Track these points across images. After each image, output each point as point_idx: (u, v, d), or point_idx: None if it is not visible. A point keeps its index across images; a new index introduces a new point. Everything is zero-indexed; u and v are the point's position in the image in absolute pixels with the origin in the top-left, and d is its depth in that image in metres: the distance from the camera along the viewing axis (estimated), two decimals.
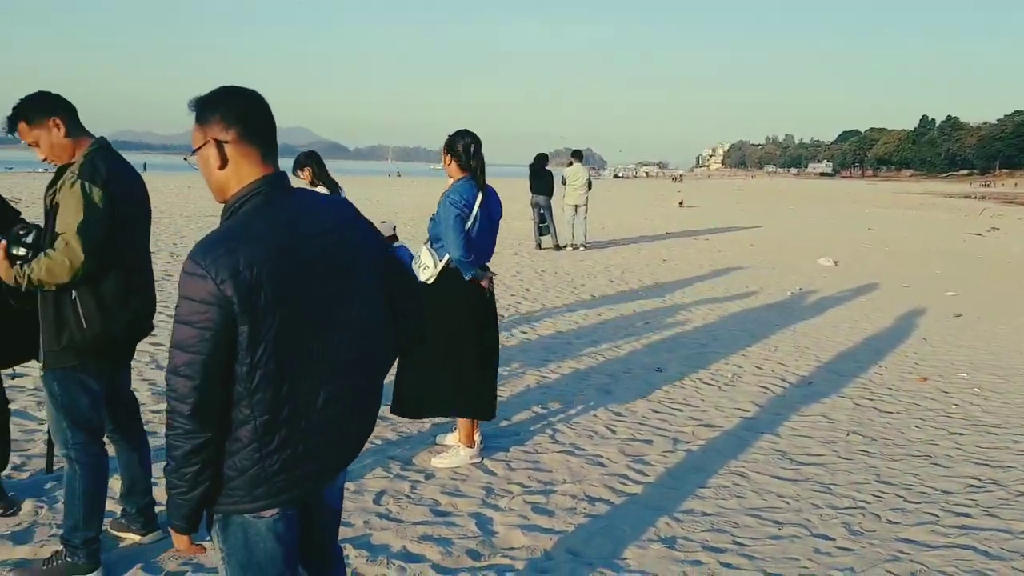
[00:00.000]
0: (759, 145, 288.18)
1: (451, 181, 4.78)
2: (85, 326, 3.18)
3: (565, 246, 16.34)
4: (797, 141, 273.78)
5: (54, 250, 3.08)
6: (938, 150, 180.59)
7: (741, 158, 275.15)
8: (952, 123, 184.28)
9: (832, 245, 19.14)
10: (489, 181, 4.81)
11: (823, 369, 7.59)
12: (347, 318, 2.16)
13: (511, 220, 23.61)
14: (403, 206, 27.02)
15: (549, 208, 16.11)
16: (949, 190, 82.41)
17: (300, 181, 6.91)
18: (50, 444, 3.88)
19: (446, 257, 4.63)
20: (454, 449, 4.89)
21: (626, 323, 9.39)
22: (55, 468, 3.94)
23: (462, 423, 4.86)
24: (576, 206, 16.44)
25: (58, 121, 3.22)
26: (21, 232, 3.23)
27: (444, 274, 4.67)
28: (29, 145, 3.28)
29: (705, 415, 6.04)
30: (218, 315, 1.91)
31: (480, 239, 4.68)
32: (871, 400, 6.62)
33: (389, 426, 5.41)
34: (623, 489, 4.61)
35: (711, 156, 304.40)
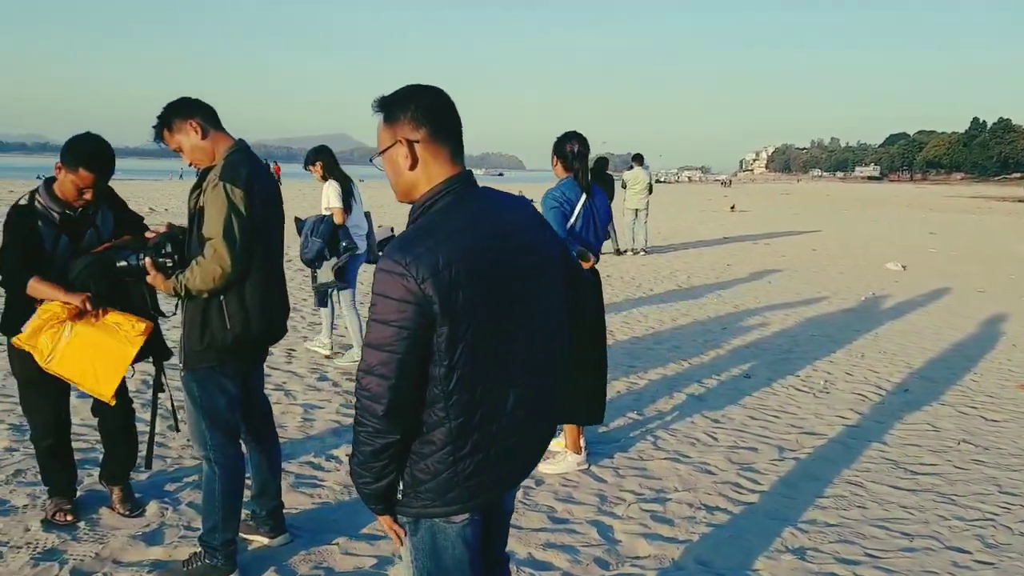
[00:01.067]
0: (804, 149, 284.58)
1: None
2: (228, 326, 3.19)
3: (626, 251, 16.22)
4: (843, 144, 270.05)
5: (204, 258, 3.08)
6: (990, 153, 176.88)
7: (786, 162, 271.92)
8: (1004, 125, 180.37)
9: (896, 249, 18.76)
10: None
11: (916, 376, 7.39)
12: (536, 317, 2.11)
13: None
14: None
15: (609, 212, 15.96)
16: (1002, 193, 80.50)
17: (312, 176, 7.01)
18: (151, 442, 3.89)
19: None
20: (561, 455, 4.83)
21: (703, 328, 9.26)
22: (153, 468, 3.95)
23: (569, 428, 4.80)
24: (637, 210, 16.32)
25: (195, 124, 3.23)
26: (159, 242, 3.25)
27: None
28: (174, 151, 3.29)
29: (805, 423, 5.91)
30: (417, 314, 1.87)
31: (584, 235, 4.64)
32: (974, 408, 6.43)
33: None
34: (739, 498, 4.51)
35: (755, 160, 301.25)
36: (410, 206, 2.08)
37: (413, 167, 2.03)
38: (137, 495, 4.07)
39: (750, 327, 9.38)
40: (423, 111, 2.02)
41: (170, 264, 3.21)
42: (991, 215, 38.43)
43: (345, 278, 6.81)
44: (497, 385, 2.03)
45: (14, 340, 3.48)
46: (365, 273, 6.94)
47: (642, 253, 16.23)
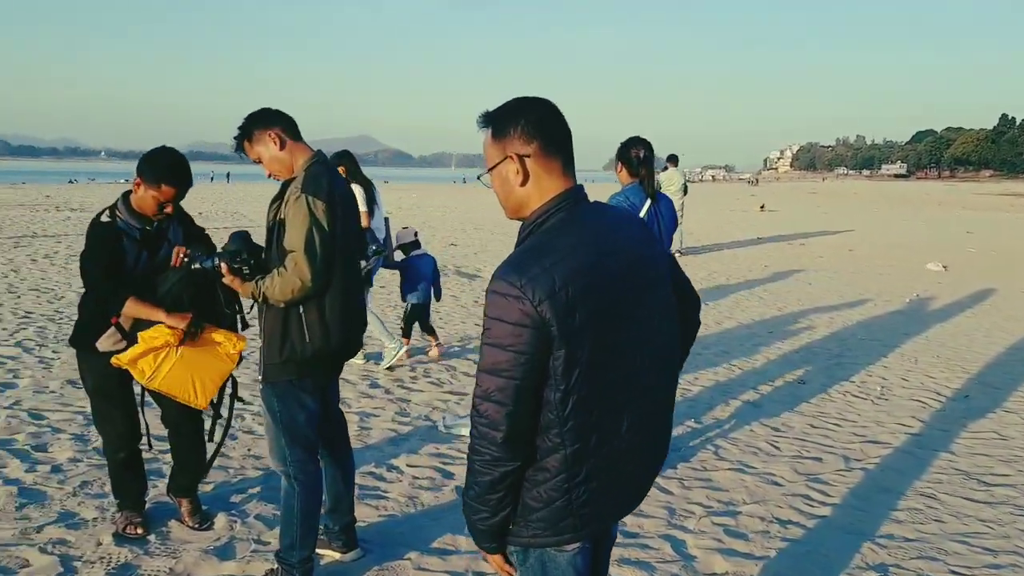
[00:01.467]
0: (829, 147, 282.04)
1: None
2: (308, 339, 3.14)
3: None
4: (869, 142, 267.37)
5: (285, 269, 3.04)
6: (1019, 149, 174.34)
7: (811, 160, 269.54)
8: None
9: (935, 249, 18.48)
10: None
11: (975, 382, 7.23)
12: (649, 336, 2.03)
13: None
14: (484, 217, 27.03)
15: None
16: None
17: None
18: (218, 447, 3.89)
19: None
20: None
21: (748, 332, 9.14)
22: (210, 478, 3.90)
23: None
24: None
25: (275, 135, 3.20)
26: (236, 248, 3.22)
27: None
28: (254, 162, 3.26)
29: (868, 431, 5.79)
30: (534, 338, 1.80)
31: None
32: None
33: None
34: (810, 511, 4.41)
35: (779, 158, 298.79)
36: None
37: (524, 182, 1.97)
38: (204, 507, 4.04)
39: (797, 330, 9.25)
40: (533, 124, 1.95)
41: (246, 270, 3.19)
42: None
43: (369, 280, 6.76)
44: (612, 408, 1.96)
45: (114, 360, 3.46)
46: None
47: (677, 255, 16.08)
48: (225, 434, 3.82)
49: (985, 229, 26.09)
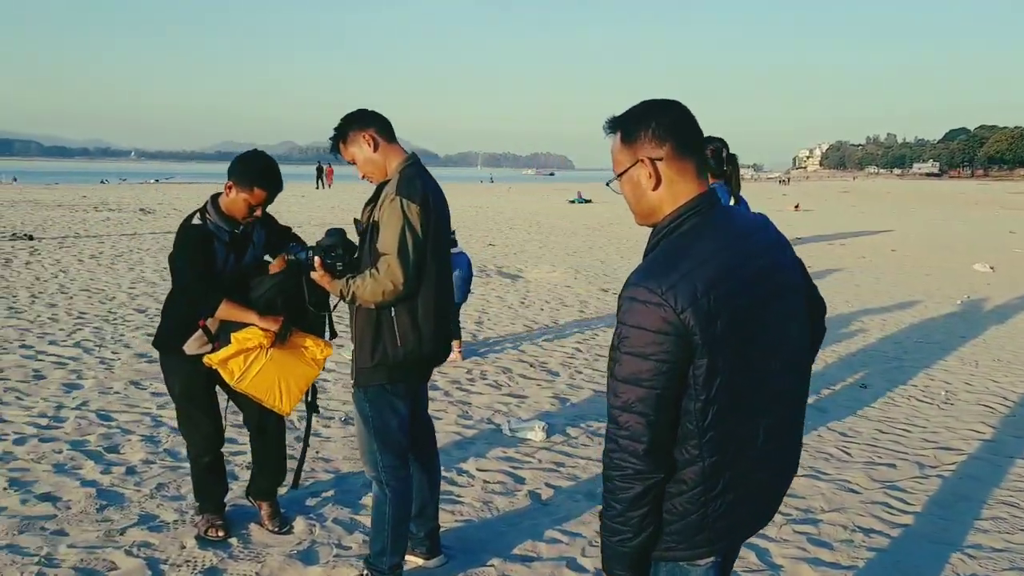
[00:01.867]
0: (859, 145, 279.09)
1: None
2: (399, 344, 3.11)
3: None
4: (900, 140, 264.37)
5: (378, 271, 3.01)
6: None
7: (840, 159, 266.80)
8: None
9: (980, 250, 18.18)
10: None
11: None
12: (784, 343, 1.97)
13: (632, 226, 23.23)
14: (521, 215, 26.98)
15: None
16: None
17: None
18: (302, 460, 3.87)
19: None
20: None
21: None
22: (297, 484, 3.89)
23: None
24: None
25: (369, 136, 3.17)
26: (331, 243, 3.21)
27: None
28: (350, 163, 3.23)
29: (939, 437, 5.67)
30: (676, 346, 1.75)
31: None
32: None
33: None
34: (892, 519, 4.31)
35: (808, 157, 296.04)
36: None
37: (657, 187, 1.91)
38: (282, 511, 4.02)
39: (851, 333, 9.12)
40: (665, 126, 1.90)
41: (339, 266, 3.17)
42: None
43: None
44: (749, 417, 1.91)
45: (205, 359, 3.46)
46: None
47: None
48: (307, 442, 3.80)
49: None
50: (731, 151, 4.63)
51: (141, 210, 23.82)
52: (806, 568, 3.77)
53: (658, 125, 1.90)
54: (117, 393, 5.86)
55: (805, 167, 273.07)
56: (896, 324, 9.74)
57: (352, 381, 3.26)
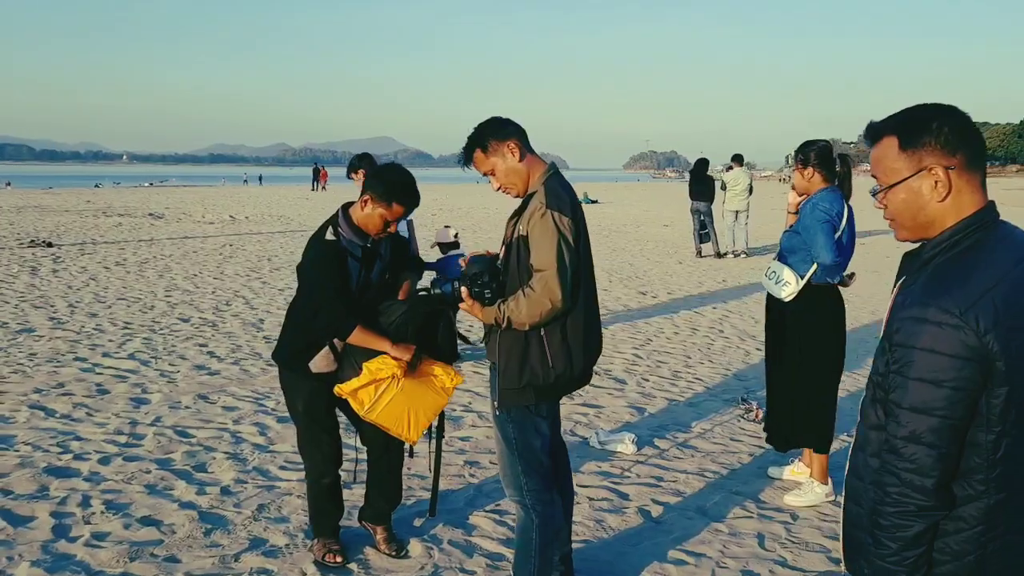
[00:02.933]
0: (851, 143, 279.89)
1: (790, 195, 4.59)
2: (551, 364, 2.97)
3: (726, 253, 15.87)
4: None
5: (533, 289, 2.87)
6: None
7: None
8: None
9: None
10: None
11: None
12: None
13: (649, 227, 23.21)
14: None
15: (710, 214, 15.67)
16: None
17: (354, 183, 6.85)
18: (435, 486, 3.72)
19: (810, 270, 4.31)
20: (808, 485, 4.55)
21: (856, 337, 8.89)
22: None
23: (818, 457, 4.52)
24: (737, 212, 15.96)
25: (513, 146, 3.03)
26: (477, 271, 3.05)
27: (805, 291, 4.35)
28: (484, 174, 3.09)
29: None
30: (976, 372, 1.63)
31: (848, 248, 4.37)
32: None
33: (709, 457, 5.13)
34: None
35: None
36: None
37: (944, 198, 1.77)
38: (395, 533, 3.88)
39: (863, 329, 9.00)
40: (956, 132, 1.76)
41: (487, 294, 3.01)
42: None
43: None
44: None
45: (336, 389, 3.34)
46: None
47: (743, 256, 15.85)
48: (438, 468, 3.65)
49: None
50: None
51: (150, 215, 23.62)
52: None
53: (950, 131, 1.77)
54: (188, 408, 5.70)
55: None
56: None
57: (495, 403, 3.11)
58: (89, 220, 21.28)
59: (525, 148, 3.07)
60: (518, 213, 3.03)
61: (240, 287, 10.90)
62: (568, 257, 2.92)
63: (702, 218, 15.68)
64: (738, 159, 16.38)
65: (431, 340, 3.48)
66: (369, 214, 3.36)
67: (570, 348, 3.00)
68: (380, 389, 3.33)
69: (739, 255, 15.85)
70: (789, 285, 4.36)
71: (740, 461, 5.11)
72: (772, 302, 4.56)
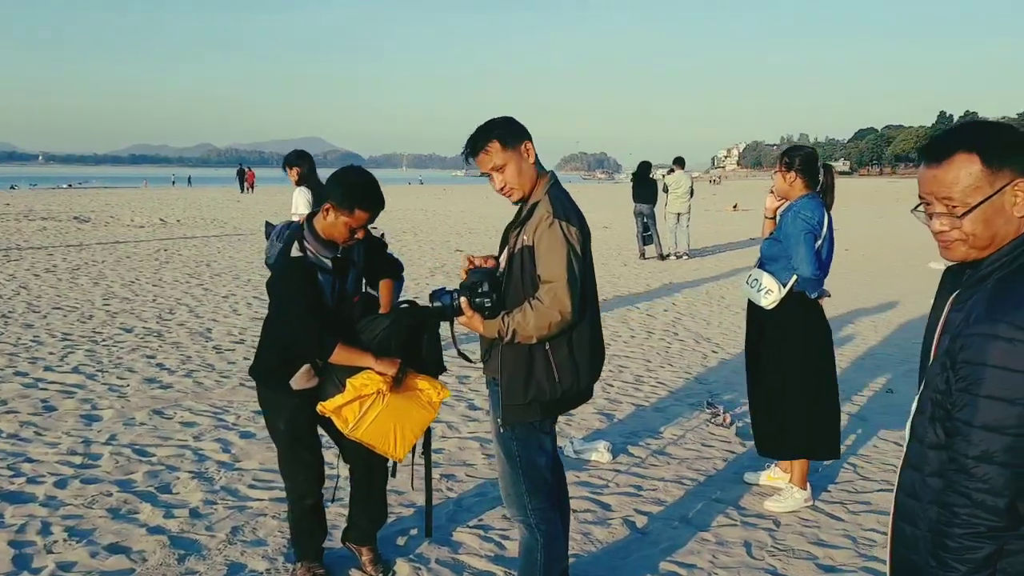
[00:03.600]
0: (774, 145, 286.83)
1: (769, 199, 4.58)
2: (557, 379, 2.88)
3: (669, 255, 16.01)
4: (812, 140, 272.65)
5: (542, 301, 2.78)
6: None
7: (757, 158, 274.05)
8: (971, 118, 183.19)
9: (926, 248, 18.67)
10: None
11: None
12: None
13: (595, 229, 23.24)
14: (466, 217, 26.73)
15: (653, 217, 15.79)
16: None
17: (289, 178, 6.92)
18: (429, 505, 3.61)
19: (792, 279, 4.31)
20: (787, 491, 4.56)
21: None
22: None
23: (800, 464, 4.53)
24: (679, 214, 16.11)
25: (530, 147, 2.93)
26: (476, 281, 2.94)
27: (787, 299, 4.35)
28: (490, 170, 2.93)
29: None
30: None
31: (827, 260, 4.38)
32: None
33: (684, 463, 5.11)
34: None
35: (726, 157, 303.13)
36: None
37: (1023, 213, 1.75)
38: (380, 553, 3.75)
39: (849, 335, 9.20)
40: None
41: (488, 304, 2.90)
42: None
43: None
44: None
45: (319, 407, 3.18)
46: None
47: (685, 257, 16.03)
48: (430, 486, 3.52)
49: None
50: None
51: (76, 218, 22.74)
52: None
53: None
54: (144, 424, 5.44)
55: (724, 167, 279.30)
56: (887, 326, 9.87)
57: (497, 420, 3.00)
58: (11, 224, 20.38)
59: (536, 154, 2.97)
60: (521, 223, 2.93)
61: (181, 294, 10.53)
62: (577, 268, 2.84)
63: (645, 220, 15.79)
64: (679, 162, 16.56)
65: (416, 353, 3.35)
66: (332, 223, 3.19)
67: (576, 362, 2.92)
68: (365, 406, 3.19)
69: (681, 256, 16.03)
70: (771, 293, 4.35)
71: (715, 467, 5.10)
72: (754, 310, 4.54)
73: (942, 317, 1.87)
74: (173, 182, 67.61)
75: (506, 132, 2.90)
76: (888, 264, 16.11)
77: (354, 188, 3.19)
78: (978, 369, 1.66)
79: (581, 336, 2.92)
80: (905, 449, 1.97)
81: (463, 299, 2.90)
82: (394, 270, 3.62)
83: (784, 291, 4.33)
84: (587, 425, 5.80)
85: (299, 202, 6.76)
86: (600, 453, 5.14)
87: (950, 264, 1.95)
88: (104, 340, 7.79)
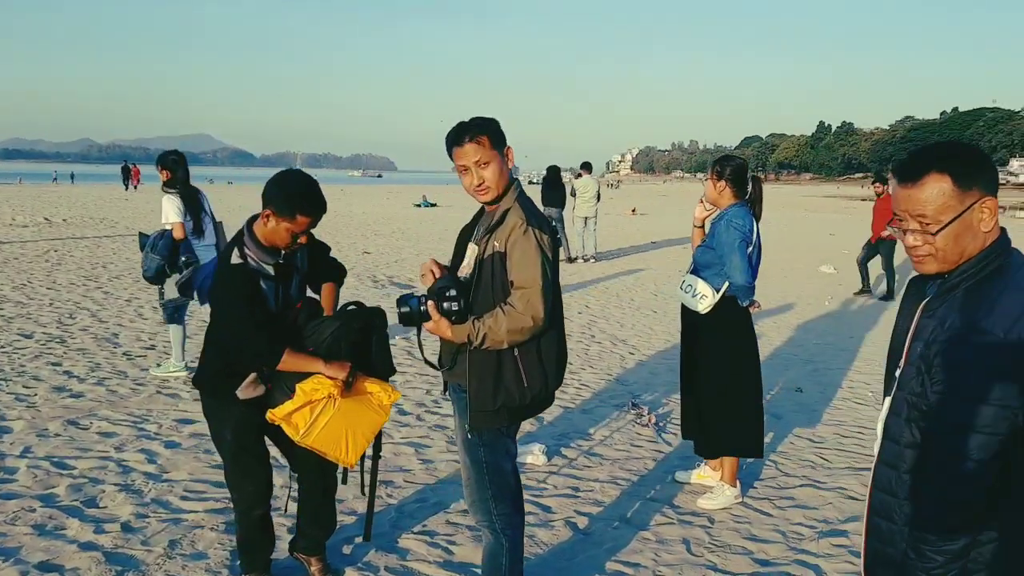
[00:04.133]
0: (666, 151, 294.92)
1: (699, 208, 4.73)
2: (526, 384, 2.91)
3: (576, 258, 16.26)
4: (702, 147, 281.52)
5: (514, 307, 2.80)
6: (835, 154, 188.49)
7: (649, 163, 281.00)
8: (847, 128, 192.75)
9: (816, 252, 19.60)
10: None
11: None
12: None
13: None
14: (378, 220, 26.46)
15: (562, 221, 16.00)
16: (849, 193, 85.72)
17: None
18: (370, 509, 3.59)
19: (724, 285, 4.48)
20: (718, 488, 4.72)
21: None
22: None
23: (729, 462, 4.70)
24: (586, 218, 16.37)
25: (510, 153, 2.95)
26: (443, 286, 2.94)
27: (720, 304, 4.51)
28: (463, 167, 2.92)
29: None
30: (1020, 390, 1.75)
31: (756, 266, 4.56)
32: None
33: (616, 464, 5.22)
34: None
35: (620, 161, 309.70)
36: None
37: (992, 228, 1.90)
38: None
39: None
40: (991, 168, 1.92)
41: (456, 309, 2.90)
42: (859, 215, 40.76)
43: (189, 292, 6.39)
44: None
45: (269, 415, 3.09)
46: None
47: (592, 261, 16.31)
48: (374, 491, 3.49)
49: (840, 231, 27.93)
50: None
51: None
52: None
53: (991, 168, 1.92)
54: (59, 435, 5.19)
55: (618, 171, 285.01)
56: (787, 326, 10.29)
57: (467, 426, 3.01)
58: None
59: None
60: (491, 229, 2.94)
61: (80, 298, 10.06)
62: (550, 274, 2.89)
63: (554, 224, 15.93)
64: (587, 167, 16.83)
65: (365, 356, 3.32)
66: (274, 229, 3.13)
67: (544, 367, 2.95)
68: (316, 411, 3.13)
69: (588, 260, 16.30)
70: (706, 299, 4.50)
71: (646, 467, 5.23)
72: (688, 315, 4.68)
73: (913, 323, 1.99)
74: (55, 178, 64.12)
75: (497, 132, 2.92)
76: (780, 267, 16.75)
77: (293, 195, 3.13)
78: (953, 372, 1.78)
79: (549, 342, 2.96)
80: (878, 448, 2.10)
81: (431, 303, 2.90)
82: (337, 274, 3.57)
83: (718, 296, 4.49)
84: (519, 428, 5.84)
85: (168, 211, 6.42)
86: (535, 456, 5.20)
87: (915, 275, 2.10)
88: (2, 346, 7.38)
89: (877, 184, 13.83)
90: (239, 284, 3.13)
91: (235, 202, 33.01)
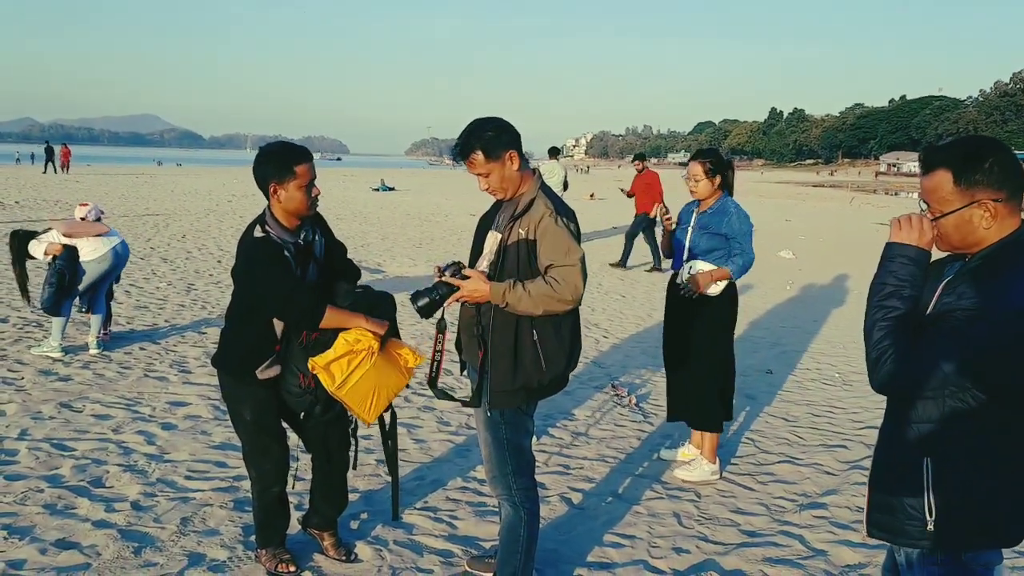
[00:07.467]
0: (620, 136, 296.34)
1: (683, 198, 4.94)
2: (544, 366, 3.07)
3: None
4: (656, 132, 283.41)
5: (557, 281, 2.95)
6: (786, 141, 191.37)
7: (604, 148, 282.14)
8: (798, 115, 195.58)
9: (775, 238, 20.03)
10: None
11: None
12: None
13: (458, 217, 23.35)
14: (369, 206, 26.30)
15: None
16: (800, 178, 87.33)
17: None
18: (396, 489, 3.74)
19: (732, 266, 4.74)
20: (697, 462, 4.95)
21: None
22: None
23: (710, 436, 4.92)
24: None
25: (514, 155, 3.08)
26: (452, 263, 3.12)
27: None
28: (475, 174, 3.09)
29: (861, 417, 6.32)
30: None
31: None
32: None
33: (603, 443, 5.42)
34: None
35: (575, 146, 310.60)
36: None
37: (991, 226, 2.06)
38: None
39: None
40: (1004, 170, 2.04)
41: (436, 297, 3.08)
42: (811, 200, 41.69)
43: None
44: None
45: (311, 362, 3.16)
46: None
47: None
48: (396, 472, 3.62)
49: (796, 217, 28.56)
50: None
51: None
52: (846, 551, 4.11)
53: (1000, 169, 2.04)
54: (54, 418, 5.22)
55: (572, 155, 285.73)
56: (752, 310, 10.59)
57: (485, 404, 3.16)
58: None
59: (521, 158, 3.12)
60: (515, 217, 3.07)
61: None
62: (584, 258, 3.05)
63: None
64: (554, 152, 16.95)
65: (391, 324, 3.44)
66: (289, 197, 3.22)
67: (562, 348, 3.11)
68: (353, 364, 3.21)
69: None
70: (723, 281, 4.75)
71: (631, 445, 5.44)
72: (674, 296, 4.89)
73: (933, 299, 2.18)
74: (17, 160, 60.66)
75: (489, 145, 3.03)
76: None
77: (278, 153, 3.24)
78: (964, 326, 1.97)
79: (568, 323, 3.13)
80: (886, 409, 2.30)
81: (447, 274, 3.05)
82: (350, 274, 3.66)
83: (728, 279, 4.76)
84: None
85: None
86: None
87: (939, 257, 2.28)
88: None
89: (636, 162, 14.79)
90: (271, 251, 3.22)
91: (188, 186, 32.57)
